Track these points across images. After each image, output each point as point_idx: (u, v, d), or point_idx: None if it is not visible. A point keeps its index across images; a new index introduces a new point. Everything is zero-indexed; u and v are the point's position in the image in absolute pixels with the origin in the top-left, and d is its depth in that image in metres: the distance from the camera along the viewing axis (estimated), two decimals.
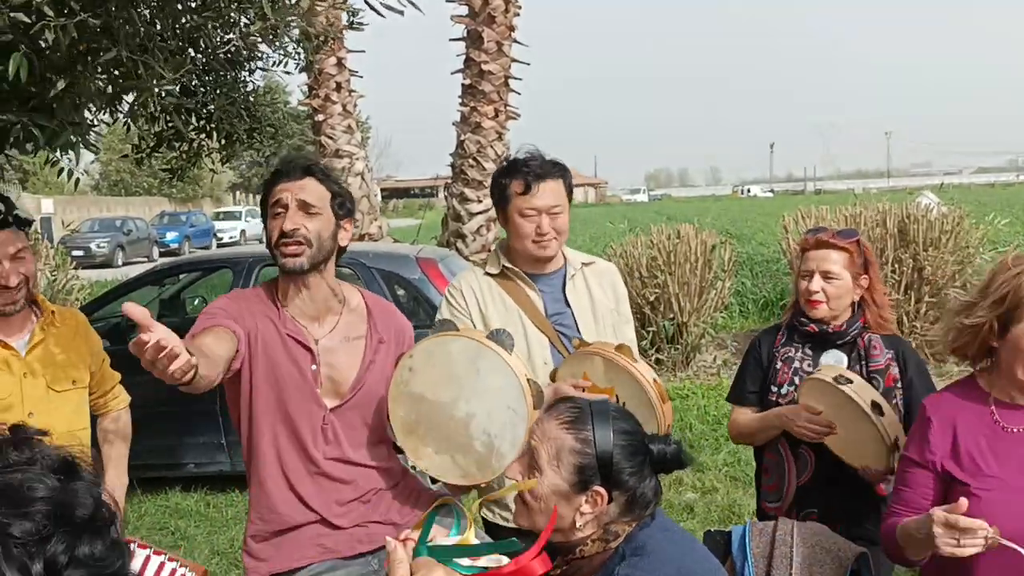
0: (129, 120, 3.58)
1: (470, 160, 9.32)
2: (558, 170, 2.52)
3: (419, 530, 1.78)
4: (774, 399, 2.57)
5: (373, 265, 5.48)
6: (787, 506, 2.53)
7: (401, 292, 5.66)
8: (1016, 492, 1.83)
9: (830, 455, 2.42)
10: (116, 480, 2.70)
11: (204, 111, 4.13)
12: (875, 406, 2.23)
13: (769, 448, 2.60)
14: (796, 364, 2.56)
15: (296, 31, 4.64)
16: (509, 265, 2.56)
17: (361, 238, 9.70)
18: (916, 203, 8.46)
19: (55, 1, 2.07)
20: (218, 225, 35.13)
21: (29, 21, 2.07)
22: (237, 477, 5.50)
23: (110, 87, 2.74)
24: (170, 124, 3.92)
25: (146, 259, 27.37)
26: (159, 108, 3.63)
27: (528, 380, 2.06)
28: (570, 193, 2.55)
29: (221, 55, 3.70)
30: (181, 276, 7.02)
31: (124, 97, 3.08)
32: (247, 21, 2.94)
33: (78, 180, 3.68)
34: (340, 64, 9.88)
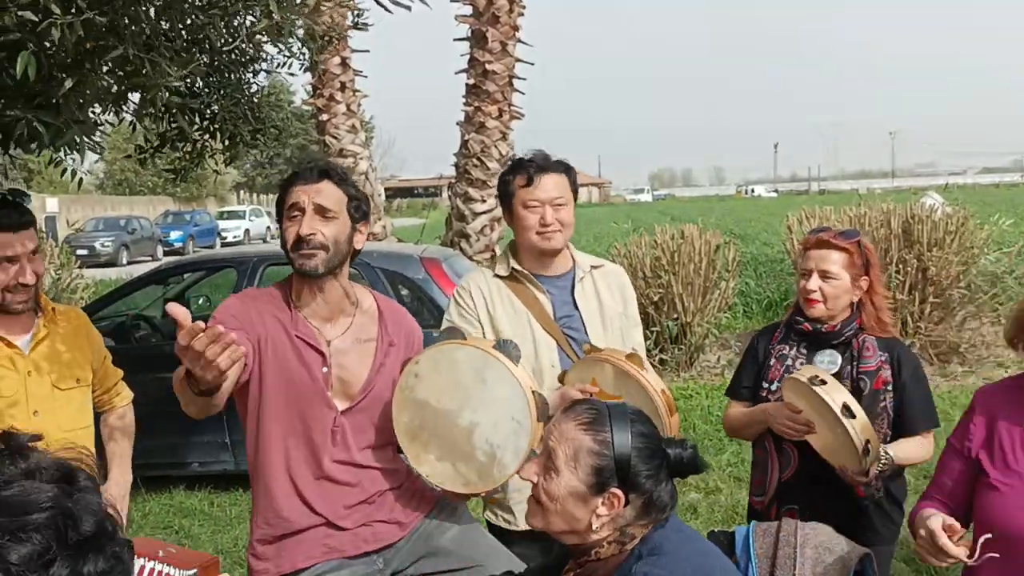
0: (135, 120, 3.59)
1: (474, 160, 9.32)
2: (561, 166, 2.54)
3: None
4: (764, 395, 2.59)
5: (377, 265, 5.48)
6: (769, 500, 2.55)
7: (405, 292, 5.67)
8: None
9: (813, 453, 2.43)
10: (120, 477, 2.72)
11: (208, 112, 4.13)
12: (846, 408, 2.24)
13: (757, 444, 2.65)
14: (789, 362, 2.58)
15: (301, 31, 4.65)
16: (518, 267, 2.57)
17: (365, 238, 9.69)
18: (920, 203, 8.43)
19: None
20: (222, 224, 35.18)
21: (36, 19, 2.08)
22: (241, 476, 5.51)
23: (116, 86, 2.75)
24: (174, 124, 3.92)
25: (150, 258, 27.43)
26: (164, 108, 3.64)
27: (533, 392, 2.06)
28: (575, 191, 2.56)
29: (226, 56, 3.71)
30: (185, 275, 7.03)
31: (130, 96, 3.09)
32: (253, 19, 2.95)
33: (81, 180, 3.69)
34: (344, 64, 9.88)
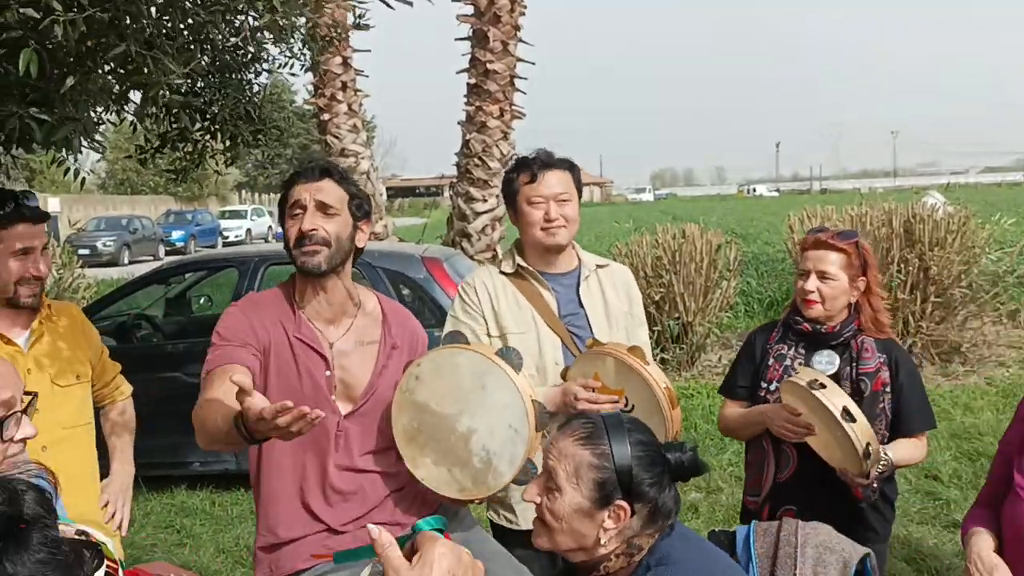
0: (136, 119, 3.59)
1: (475, 159, 9.31)
2: (565, 163, 2.54)
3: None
4: (763, 395, 2.59)
5: (379, 264, 5.48)
6: (763, 500, 2.55)
7: (406, 292, 5.67)
8: None
9: (812, 454, 2.43)
10: (122, 470, 2.73)
11: (209, 112, 4.13)
12: (846, 412, 2.24)
13: (754, 443, 2.64)
14: (787, 362, 2.57)
15: (303, 30, 4.64)
16: (524, 264, 2.57)
17: (367, 238, 9.69)
18: (922, 203, 8.42)
19: None
20: (224, 224, 35.21)
21: (37, 16, 2.08)
22: (242, 476, 5.51)
23: (118, 84, 2.75)
24: (175, 125, 3.92)
25: (152, 258, 27.45)
26: (164, 108, 3.63)
27: (533, 401, 2.06)
28: (579, 188, 2.56)
29: (228, 56, 3.70)
30: (187, 275, 7.03)
31: (131, 96, 3.09)
32: (255, 15, 2.95)
33: (84, 179, 3.69)
34: (346, 64, 9.88)
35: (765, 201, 59.95)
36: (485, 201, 9.27)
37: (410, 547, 1.11)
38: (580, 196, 2.58)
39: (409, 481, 2.24)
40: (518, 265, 2.57)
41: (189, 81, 3.81)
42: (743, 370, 2.70)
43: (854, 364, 2.51)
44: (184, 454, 5.62)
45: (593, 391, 2.28)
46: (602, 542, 1.56)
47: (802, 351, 2.58)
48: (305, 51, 4.93)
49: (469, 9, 9.28)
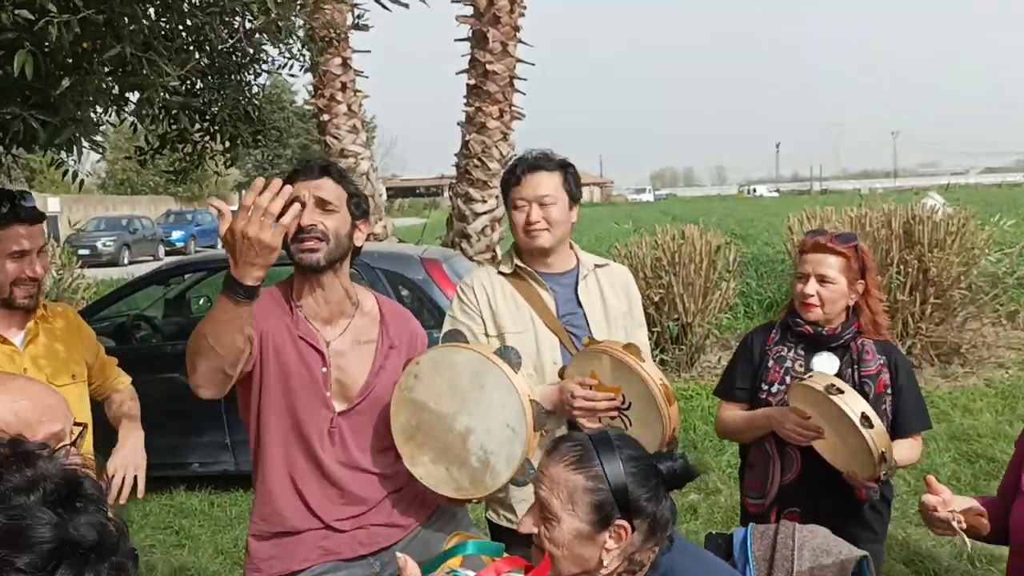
0: (135, 120, 3.59)
1: (475, 160, 9.31)
2: (554, 163, 2.52)
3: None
4: (764, 397, 2.58)
5: (377, 265, 5.48)
6: (768, 503, 2.54)
7: (405, 292, 5.66)
8: None
9: (816, 456, 2.43)
10: (129, 435, 2.60)
11: (208, 113, 4.13)
12: (864, 418, 2.24)
13: (755, 445, 2.62)
14: (788, 364, 2.57)
15: (302, 31, 4.65)
16: (522, 264, 2.56)
17: (366, 238, 9.69)
18: (921, 204, 8.43)
19: None
20: None
21: (33, 18, 2.08)
22: (241, 477, 5.52)
23: (115, 86, 2.75)
24: (174, 126, 3.92)
25: (152, 258, 27.44)
26: (163, 109, 3.64)
27: (531, 401, 2.05)
28: (570, 190, 2.54)
29: (226, 57, 3.71)
30: (186, 276, 7.03)
31: (129, 96, 3.09)
32: (251, 17, 2.95)
33: (83, 181, 3.69)
34: (345, 64, 9.87)
35: (765, 201, 59.96)
36: (485, 202, 9.27)
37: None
38: (575, 197, 2.56)
39: (408, 482, 2.24)
40: (516, 265, 2.57)
41: (188, 82, 3.82)
42: (742, 372, 2.68)
43: (855, 366, 2.51)
44: (183, 455, 5.63)
45: (590, 388, 2.28)
46: (605, 563, 1.55)
47: (802, 352, 2.58)
48: (304, 52, 4.94)
49: (469, 10, 9.28)
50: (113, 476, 2.47)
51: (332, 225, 2.12)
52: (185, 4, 2.64)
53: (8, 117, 2.41)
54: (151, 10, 2.48)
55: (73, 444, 1.53)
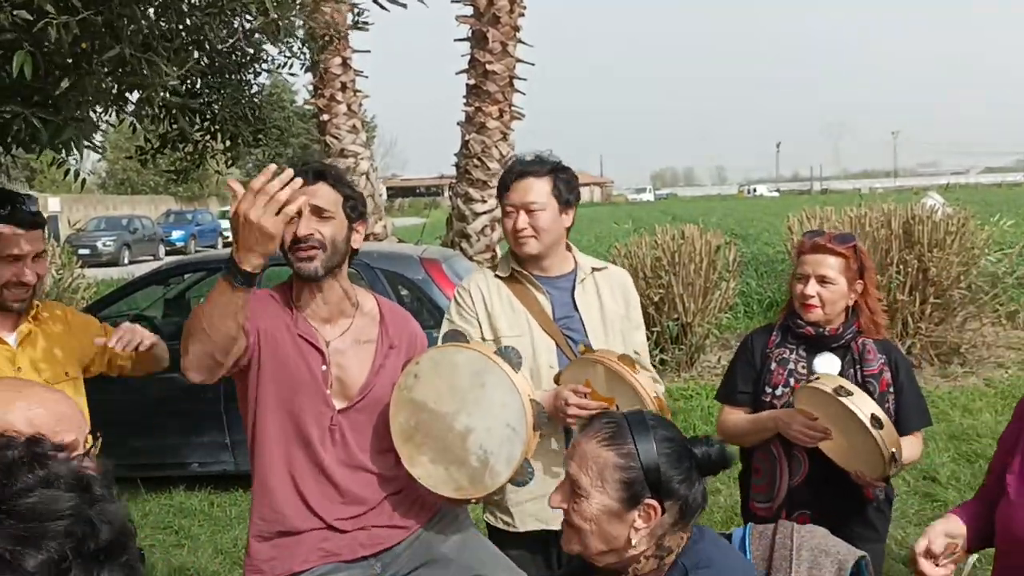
0: (135, 121, 3.59)
1: (474, 160, 9.31)
2: (544, 168, 2.50)
3: None
4: (768, 400, 2.57)
5: (377, 265, 5.48)
6: (777, 507, 2.54)
7: (405, 292, 5.67)
8: None
9: (823, 457, 2.42)
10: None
11: (209, 112, 4.14)
12: (875, 419, 2.24)
13: (761, 449, 2.60)
14: (791, 366, 2.56)
15: (301, 31, 4.65)
16: (519, 268, 2.56)
17: (366, 238, 9.68)
18: (921, 204, 8.43)
19: None
20: (224, 224, 35.14)
21: (31, 19, 2.08)
22: (241, 477, 5.51)
23: (115, 86, 2.75)
24: (174, 126, 3.92)
25: (152, 258, 27.43)
26: (163, 109, 3.64)
27: (531, 401, 2.05)
28: (561, 194, 2.51)
29: (226, 57, 3.71)
30: (186, 276, 7.03)
31: (128, 96, 3.09)
32: (250, 18, 2.95)
33: (84, 180, 3.69)
34: (345, 64, 9.87)
35: (765, 201, 59.95)
36: (484, 202, 9.26)
37: None
38: (568, 202, 2.53)
39: (408, 484, 2.24)
40: (513, 268, 2.57)
41: (188, 82, 3.82)
42: (743, 375, 2.67)
43: (857, 366, 2.51)
44: (183, 455, 5.63)
45: (585, 396, 2.28)
46: (633, 543, 1.53)
47: (803, 354, 2.58)
48: (304, 51, 4.94)
49: (468, 10, 9.28)
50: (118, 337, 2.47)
51: (329, 233, 2.11)
52: (184, 4, 2.64)
53: (8, 116, 2.41)
54: (150, 11, 2.48)
55: (87, 455, 1.54)
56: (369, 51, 10.11)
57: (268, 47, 4.36)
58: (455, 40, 9.44)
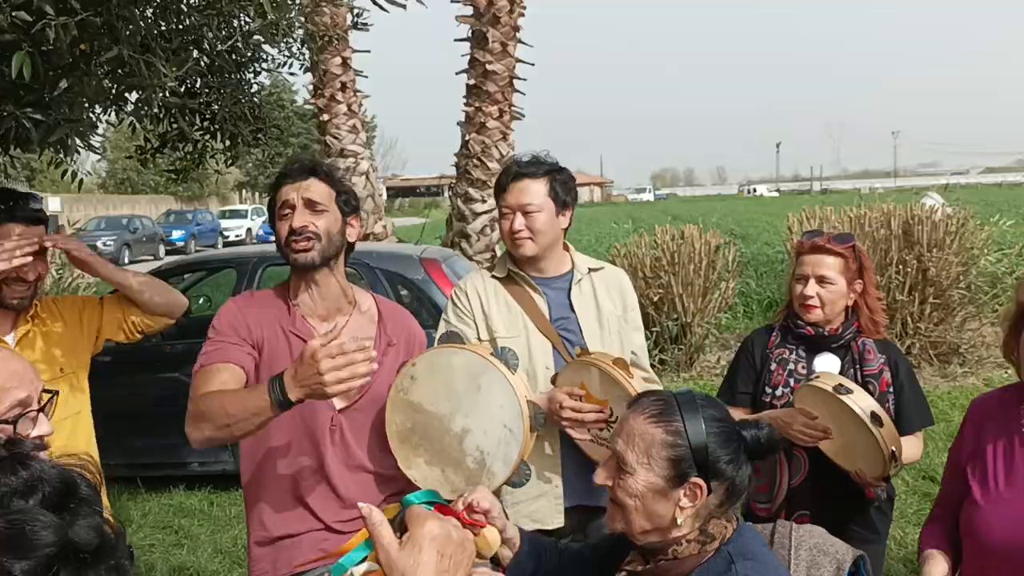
0: (134, 120, 3.60)
1: (474, 160, 9.31)
2: (541, 170, 2.50)
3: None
4: (768, 400, 2.57)
5: (377, 265, 5.49)
6: (777, 507, 2.53)
7: (404, 292, 5.67)
8: (1011, 504, 1.86)
9: (823, 457, 2.42)
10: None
11: (208, 112, 4.14)
12: (875, 417, 2.24)
13: None
14: (791, 366, 2.56)
15: (300, 31, 4.65)
16: (515, 269, 2.56)
17: (366, 238, 9.70)
18: (920, 204, 8.43)
19: None
20: (224, 224, 35.19)
21: (30, 20, 2.08)
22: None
23: (114, 87, 2.75)
24: (174, 125, 3.92)
25: (152, 257, 27.45)
26: (163, 109, 3.64)
27: (528, 402, 2.05)
28: (557, 195, 2.51)
29: (225, 57, 3.71)
30: (186, 276, 7.03)
31: (127, 96, 3.10)
32: (248, 19, 2.95)
33: (82, 181, 3.70)
34: (345, 64, 9.88)
35: (765, 201, 59.94)
36: (484, 202, 9.26)
37: (400, 523, 1.09)
38: (565, 203, 2.53)
39: (407, 485, 2.24)
40: (509, 269, 2.57)
41: (187, 82, 3.82)
42: (743, 376, 2.67)
43: (857, 366, 2.51)
44: (182, 454, 5.62)
45: (579, 399, 2.28)
46: (679, 522, 1.50)
47: (803, 354, 2.58)
48: (304, 52, 4.94)
49: (468, 10, 9.28)
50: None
51: (323, 224, 2.14)
52: (183, 5, 2.64)
53: (3, 115, 2.42)
54: (148, 12, 2.48)
55: (42, 410, 1.53)
56: (369, 51, 10.12)
57: (267, 47, 4.37)
58: (455, 40, 9.45)
